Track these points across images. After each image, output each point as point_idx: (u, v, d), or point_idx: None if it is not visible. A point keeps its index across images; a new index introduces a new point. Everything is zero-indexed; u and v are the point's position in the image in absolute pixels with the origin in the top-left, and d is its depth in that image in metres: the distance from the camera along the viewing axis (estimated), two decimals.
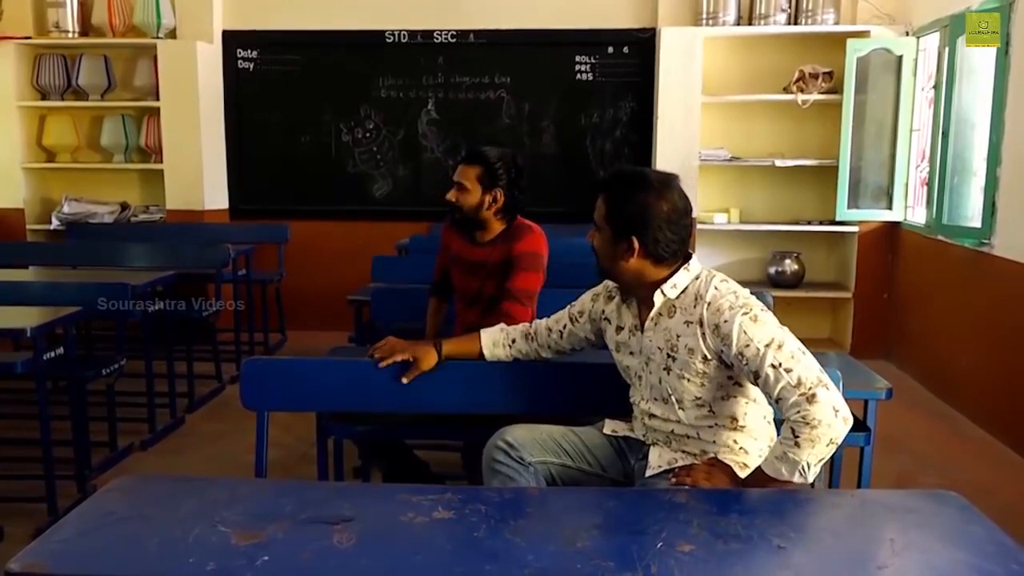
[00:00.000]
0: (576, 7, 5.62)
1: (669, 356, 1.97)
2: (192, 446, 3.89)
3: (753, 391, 1.98)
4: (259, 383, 2.27)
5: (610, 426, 2.18)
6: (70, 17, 5.51)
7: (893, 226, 5.33)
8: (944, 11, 4.61)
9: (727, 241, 5.68)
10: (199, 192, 5.62)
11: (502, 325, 2.36)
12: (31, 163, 5.68)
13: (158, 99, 5.51)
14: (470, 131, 5.76)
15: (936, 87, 4.84)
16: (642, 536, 1.45)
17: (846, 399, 1.86)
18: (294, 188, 5.92)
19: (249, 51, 5.79)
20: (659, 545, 1.40)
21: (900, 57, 5.10)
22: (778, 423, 2.00)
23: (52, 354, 3.19)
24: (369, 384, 2.26)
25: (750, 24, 5.35)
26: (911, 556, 1.44)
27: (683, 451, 2.02)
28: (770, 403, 2.00)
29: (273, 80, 5.81)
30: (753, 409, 2.00)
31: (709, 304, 1.92)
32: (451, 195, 2.89)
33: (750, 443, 2.00)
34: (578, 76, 5.69)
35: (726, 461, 1.97)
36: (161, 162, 5.60)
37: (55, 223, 5.60)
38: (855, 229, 5.38)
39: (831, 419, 1.78)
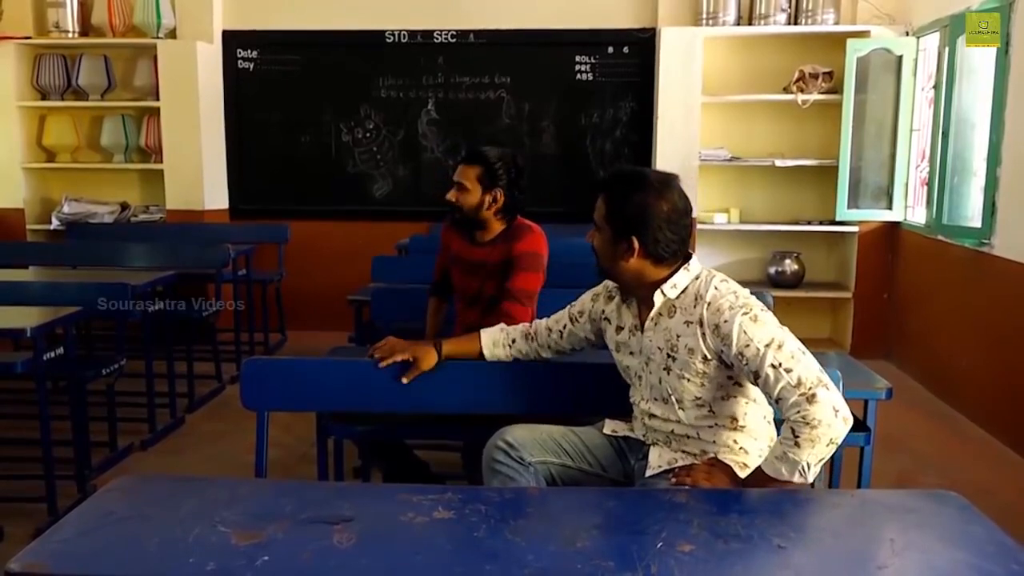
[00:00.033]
0: (576, 7, 5.62)
1: (669, 356, 1.97)
2: (192, 446, 3.89)
3: (753, 391, 1.98)
4: (259, 383, 2.27)
5: (610, 426, 2.18)
6: (70, 17, 5.51)
7: (893, 226, 5.33)
8: (944, 11, 4.61)
9: (727, 241, 5.68)
10: (199, 192, 5.62)
11: (502, 325, 2.36)
12: (31, 163, 5.68)
13: (158, 99, 5.51)
14: (470, 131, 5.76)
15: (936, 87, 4.84)
16: (642, 536, 1.45)
17: (846, 399, 1.86)
18: (294, 188, 5.92)
19: (249, 51, 5.79)
20: (659, 545, 1.40)
21: (900, 57, 5.10)
22: (778, 423, 2.00)
23: (52, 354, 3.19)
24: (369, 384, 2.26)
25: (750, 24, 5.35)
26: (911, 556, 1.44)
27: (683, 451, 2.02)
28: (770, 403, 2.00)
29: (273, 80, 5.81)
30: (753, 409, 2.00)
31: (709, 304, 1.92)
32: (451, 195, 2.89)
33: (750, 443, 2.00)
34: (578, 76, 5.69)
35: (726, 461, 1.97)
36: (161, 162, 5.60)
37: (55, 223, 5.60)
38: (855, 229, 5.38)
39: (831, 419, 1.78)
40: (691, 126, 5.37)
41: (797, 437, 1.79)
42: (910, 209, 5.24)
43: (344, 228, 5.84)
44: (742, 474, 1.95)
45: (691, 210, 2.00)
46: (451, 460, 3.26)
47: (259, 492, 1.72)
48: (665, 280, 1.98)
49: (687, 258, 2.00)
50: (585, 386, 2.33)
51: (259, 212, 5.87)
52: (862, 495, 2.00)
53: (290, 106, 5.84)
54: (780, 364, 1.82)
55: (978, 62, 4.38)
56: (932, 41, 4.94)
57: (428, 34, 5.69)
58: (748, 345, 1.85)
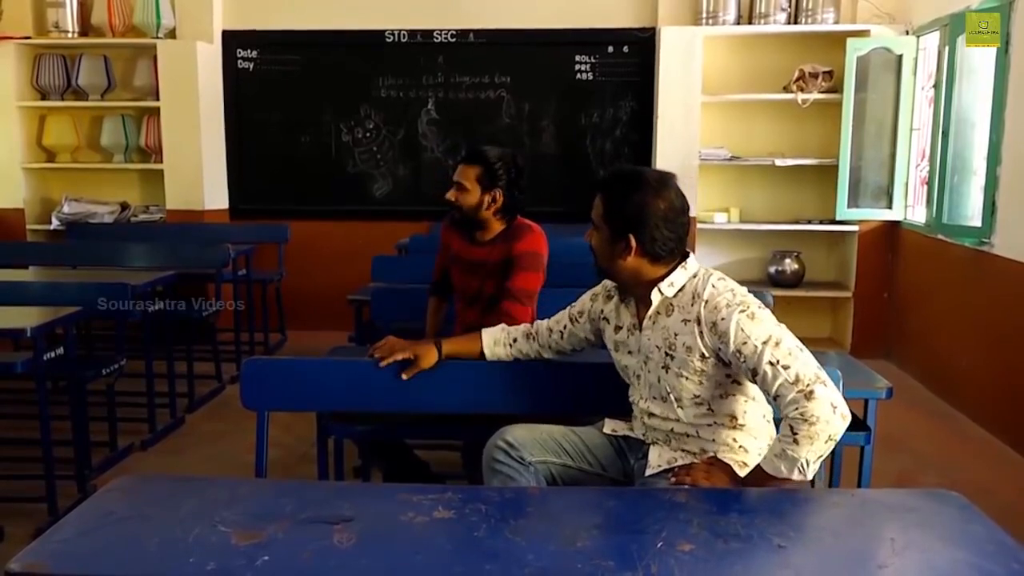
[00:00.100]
0: (576, 7, 5.62)
1: (667, 355, 1.97)
2: (192, 446, 3.89)
3: (752, 389, 1.98)
4: (259, 383, 2.27)
5: (610, 425, 2.19)
6: (70, 17, 5.51)
7: (893, 225, 5.32)
8: (944, 10, 4.61)
9: (727, 240, 5.68)
10: (199, 192, 5.62)
11: (503, 325, 2.36)
12: (31, 163, 5.68)
13: (158, 99, 5.51)
14: (470, 131, 5.76)
15: (936, 86, 4.83)
16: (642, 536, 1.45)
17: (846, 399, 1.86)
18: (294, 188, 5.92)
19: (249, 51, 5.79)
20: (659, 545, 1.40)
21: (900, 56, 5.10)
22: (777, 422, 2.00)
23: (52, 354, 3.19)
24: (369, 384, 2.26)
25: (750, 23, 5.35)
26: (911, 555, 1.44)
27: (683, 449, 2.02)
28: (769, 401, 2.00)
29: (273, 80, 5.81)
30: (752, 407, 2.00)
31: (706, 302, 1.92)
32: (450, 195, 2.89)
33: (749, 441, 2.00)
34: (578, 76, 5.69)
35: (726, 460, 1.97)
36: (161, 162, 5.60)
37: (55, 223, 5.60)
38: (855, 228, 5.38)
39: (829, 415, 1.78)
40: (691, 126, 5.37)
41: (796, 434, 1.79)
42: (910, 208, 5.24)
43: (344, 228, 5.84)
44: (742, 473, 1.95)
45: (688, 209, 2.00)
46: (451, 460, 3.26)
47: (259, 492, 1.72)
48: (663, 279, 1.98)
49: (685, 257, 2.00)
50: (585, 386, 2.33)
51: (259, 212, 5.87)
52: (862, 494, 2.00)
53: (290, 106, 5.83)
54: (778, 361, 1.82)
55: (978, 61, 4.38)
56: (932, 40, 4.94)
57: (428, 34, 5.69)
58: (745, 343, 1.85)
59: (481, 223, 2.90)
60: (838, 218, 5.33)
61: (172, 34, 5.59)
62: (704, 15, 5.34)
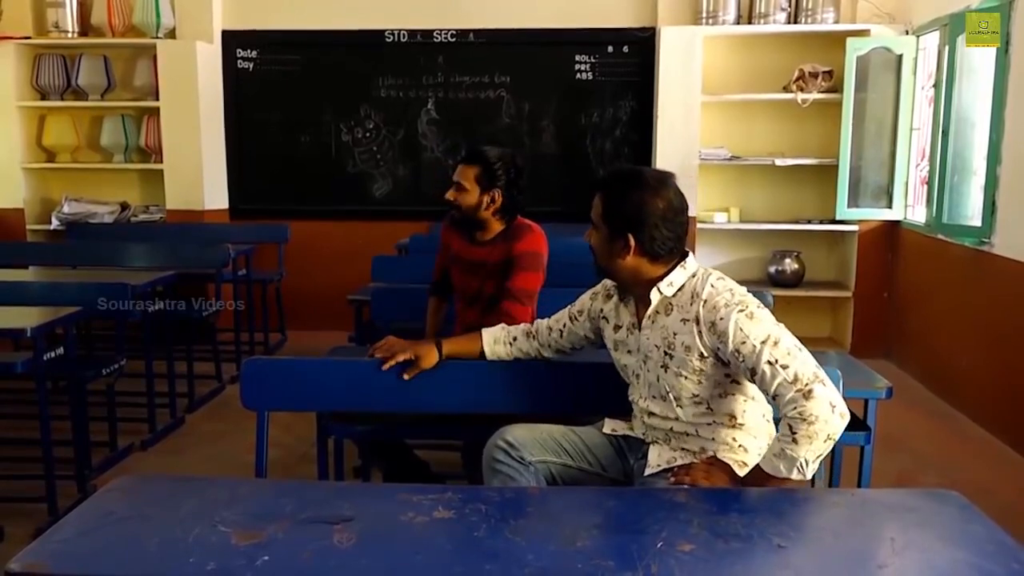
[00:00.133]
0: (576, 7, 5.62)
1: (666, 354, 1.97)
2: (192, 446, 3.89)
3: (751, 389, 1.98)
4: (259, 383, 2.27)
5: (610, 425, 2.19)
6: (70, 17, 5.51)
7: (893, 225, 5.32)
8: (944, 10, 4.61)
9: (727, 240, 5.68)
10: (199, 192, 5.62)
11: (503, 324, 2.37)
12: (31, 163, 5.68)
13: (158, 99, 5.51)
14: (470, 131, 5.76)
15: (936, 86, 4.83)
16: (642, 536, 1.44)
17: (846, 398, 1.86)
18: (294, 188, 5.92)
19: (249, 51, 5.79)
20: (659, 545, 1.40)
21: (900, 56, 5.10)
22: (777, 421, 2.00)
23: (52, 354, 3.19)
24: (369, 384, 2.26)
25: (750, 23, 5.35)
26: (911, 555, 1.44)
27: (682, 449, 2.02)
28: (768, 400, 2.00)
29: (273, 80, 5.81)
30: (752, 407, 2.00)
31: (705, 302, 1.92)
32: (450, 195, 2.89)
33: (749, 441, 2.00)
34: (578, 76, 5.69)
35: (725, 459, 1.97)
36: (161, 162, 5.60)
37: (55, 223, 5.60)
38: (855, 228, 5.38)
39: (828, 415, 1.78)
40: (691, 125, 5.37)
41: (795, 434, 1.79)
42: (910, 208, 5.24)
43: (344, 228, 5.84)
44: (741, 472, 1.95)
45: (687, 208, 2.00)
46: (451, 460, 3.25)
47: (259, 492, 1.72)
48: (662, 278, 1.98)
49: (684, 256, 2.00)
50: (585, 386, 2.33)
51: (259, 212, 5.87)
52: (862, 494, 2.00)
53: (290, 106, 5.83)
54: (776, 360, 1.82)
55: (978, 61, 4.38)
56: (932, 40, 4.94)
57: (428, 34, 5.69)
58: (744, 342, 1.85)
59: (481, 223, 2.90)
60: (838, 218, 5.33)
61: (172, 34, 5.59)
62: (704, 15, 5.34)
